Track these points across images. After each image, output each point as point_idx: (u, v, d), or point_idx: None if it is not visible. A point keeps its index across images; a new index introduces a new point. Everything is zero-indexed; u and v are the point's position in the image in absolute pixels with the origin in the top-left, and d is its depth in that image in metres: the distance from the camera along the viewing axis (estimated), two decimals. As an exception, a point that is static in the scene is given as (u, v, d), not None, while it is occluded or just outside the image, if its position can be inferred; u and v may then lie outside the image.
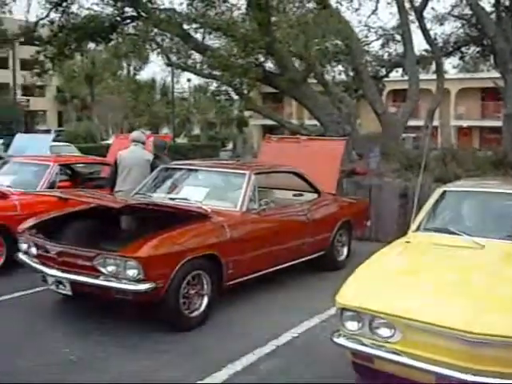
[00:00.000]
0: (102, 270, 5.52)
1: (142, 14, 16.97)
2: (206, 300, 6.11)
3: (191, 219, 6.22)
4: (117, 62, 39.83)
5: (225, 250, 6.20)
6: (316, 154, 9.21)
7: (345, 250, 8.83)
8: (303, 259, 7.90)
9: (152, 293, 5.50)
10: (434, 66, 22.58)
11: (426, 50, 22.16)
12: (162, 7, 17.29)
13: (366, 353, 4.10)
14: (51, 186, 8.84)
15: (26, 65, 35.46)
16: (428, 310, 3.87)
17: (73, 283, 5.83)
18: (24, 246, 6.42)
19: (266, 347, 5.55)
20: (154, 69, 73.26)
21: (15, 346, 5.55)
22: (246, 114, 49.15)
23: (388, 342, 3.97)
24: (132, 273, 5.40)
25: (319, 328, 6.10)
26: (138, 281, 5.41)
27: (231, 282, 6.48)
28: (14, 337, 5.82)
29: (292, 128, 18.92)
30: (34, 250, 6.24)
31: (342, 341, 4.22)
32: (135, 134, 8.95)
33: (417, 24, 18.44)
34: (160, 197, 7.16)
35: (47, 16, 18.24)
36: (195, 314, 6.01)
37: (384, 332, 4.00)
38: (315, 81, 17.86)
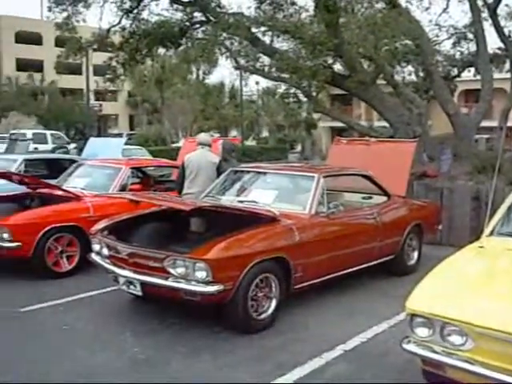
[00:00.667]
0: (172, 271, 5.60)
1: (211, 18, 17.14)
2: (274, 303, 6.11)
3: (260, 222, 6.24)
4: (186, 66, 40.43)
5: (293, 253, 6.19)
6: (386, 157, 9.09)
7: (415, 255, 8.66)
8: (372, 263, 7.79)
9: (220, 295, 5.54)
10: (508, 65, 21.88)
11: (499, 48, 21.56)
12: (230, 11, 17.42)
13: (436, 360, 4.00)
14: (123, 188, 9.05)
15: (98, 70, 36.47)
16: (502, 318, 3.74)
17: (143, 284, 5.94)
18: (96, 247, 6.59)
19: (334, 351, 5.50)
20: (223, 72, 74.06)
21: (87, 345, 5.69)
22: (315, 116, 48.99)
23: (460, 350, 3.86)
24: (201, 275, 5.45)
25: (388, 334, 6.00)
26: (207, 283, 5.45)
27: (299, 286, 6.46)
28: (86, 335, 5.98)
29: (361, 130, 18.71)
30: (106, 251, 6.40)
31: (411, 347, 4.13)
32: (202, 137, 9.03)
33: (490, 22, 17.93)
34: (229, 199, 7.22)
35: (119, 23, 18.67)
36: (263, 316, 6.02)
37: (456, 339, 3.89)
38: (384, 82, 17.62)
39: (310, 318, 6.47)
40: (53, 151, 19.85)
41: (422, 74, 20.27)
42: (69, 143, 32.49)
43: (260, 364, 5.23)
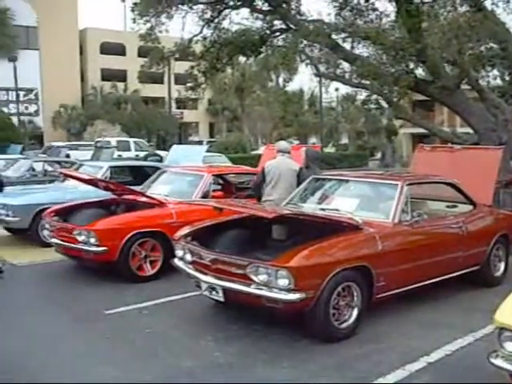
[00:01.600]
0: (254, 278, 5.63)
1: (291, 26, 17.19)
2: (355, 312, 6.04)
3: (342, 230, 6.19)
4: (266, 73, 40.75)
5: (376, 262, 6.10)
6: (471, 164, 8.83)
7: (502, 266, 8.35)
8: (456, 274, 7.58)
9: (302, 303, 5.53)
10: None
11: None
12: (310, 18, 17.41)
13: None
14: (205, 195, 9.18)
15: (179, 79, 37.23)
16: None
17: (225, 290, 5.99)
18: (180, 253, 6.70)
19: (417, 363, 5.38)
20: (302, 79, 74.13)
21: (170, 348, 5.79)
22: (396, 122, 48.29)
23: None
24: (283, 282, 5.45)
25: (474, 347, 5.82)
26: (289, 290, 5.45)
27: (381, 295, 6.36)
28: (168, 339, 6.08)
29: (444, 136, 18.27)
30: (188, 257, 6.50)
31: (499, 362, 4.00)
32: (281, 145, 9.07)
33: None
34: (311, 207, 7.20)
35: (200, 32, 18.98)
36: (344, 325, 5.96)
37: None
38: (469, 87, 17.16)
39: (392, 329, 6.35)
40: (145, 158, 20.40)
41: (508, 79, 19.58)
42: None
43: (340, 374, 5.17)
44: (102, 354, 5.71)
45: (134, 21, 18.96)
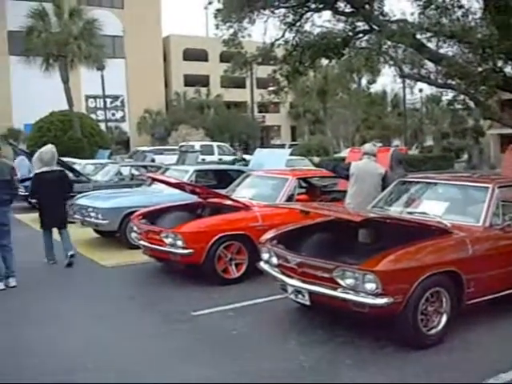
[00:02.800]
0: (341, 282, 5.58)
1: (374, 27, 16.98)
2: (444, 318, 5.88)
3: (431, 234, 6.05)
4: (349, 75, 40.44)
5: (466, 267, 5.92)
6: None
7: None
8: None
9: (389, 308, 5.43)
10: None
11: None
12: (393, 19, 17.16)
13: None
14: (289, 198, 9.18)
15: (261, 83, 37.44)
16: None
17: (311, 293, 5.97)
18: (265, 256, 6.73)
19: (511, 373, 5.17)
20: (385, 80, 73.07)
21: (255, 350, 5.84)
22: (484, 123, 46.86)
23: None
24: (370, 286, 5.38)
25: None
26: (376, 295, 5.37)
27: (471, 301, 6.15)
28: (253, 341, 6.12)
29: (535, 137, 17.58)
30: (274, 260, 6.51)
31: None
32: (367, 147, 9.00)
33: None
34: (397, 211, 7.08)
35: (282, 36, 19.03)
36: (433, 331, 5.81)
37: None
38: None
39: (483, 336, 6.14)
40: (233, 163, 20.64)
41: None
42: (234, 154, 33.62)
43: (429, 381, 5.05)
44: (188, 354, 5.79)
45: (217, 27, 19.22)
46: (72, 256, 9.79)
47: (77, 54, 32.04)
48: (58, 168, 10.17)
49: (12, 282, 8.51)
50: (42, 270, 9.81)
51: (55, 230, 10.03)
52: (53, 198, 9.72)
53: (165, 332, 6.51)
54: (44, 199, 9.70)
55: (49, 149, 9.93)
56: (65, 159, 18.29)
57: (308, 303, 6.15)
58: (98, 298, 8.01)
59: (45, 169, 9.83)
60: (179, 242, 8.09)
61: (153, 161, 21.65)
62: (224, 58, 43.44)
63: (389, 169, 8.63)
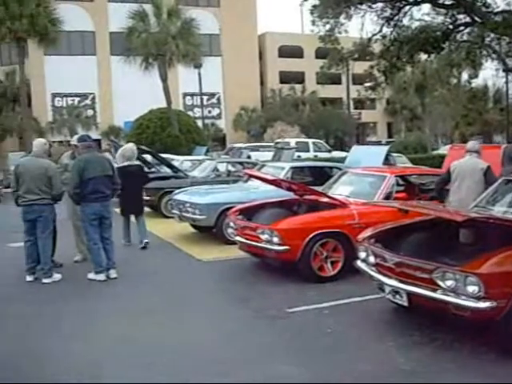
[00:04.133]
0: (441, 283, 5.41)
1: (476, 19, 16.43)
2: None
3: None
4: (449, 70, 39.25)
5: None
6: None
7: None
8: None
9: (492, 312, 5.21)
10: None
11: None
12: (497, 10, 16.54)
13: None
14: (387, 196, 9.01)
15: (357, 79, 37.02)
16: None
17: (409, 294, 5.83)
18: (363, 255, 6.63)
19: None
20: (486, 75, 70.34)
21: (349, 350, 5.75)
22: None
23: None
24: (472, 289, 5.19)
25: None
26: (478, 298, 5.17)
27: None
28: (348, 341, 6.04)
29: None
30: (372, 259, 6.41)
31: None
32: (469, 145, 8.77)
33: None
34: (501, 211, 6.80)
35: (380, 31, 18.78)
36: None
37: None
38: None
39: None
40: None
41: None
42: (330, 151, 33.40)
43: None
44: (282, 351, 5.79)
45: (313, 23, 19.19)
46: (146, 243, 11.11)
47: (175, 52, 32.79)
48: (137, 163, 11.68)
49: (113, 273, 8.82)
50: (139, 261, 10.16)
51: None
52: (132, 188, 10.87)
53: (259, 328, 6.55)
54: (124, 189, 10.13)
55: (129, 147, 11.37)
56: (163, 155, 18.82)
57: (406, 304, 6.01)
58: (194, 292, 8.16)
59: (126, 163, 11.31)
60: (275, 239, 8.12)
61: (249, 157, 21.84)
62: (319, 55, 43.26)
63: (500, 166, 8.32)
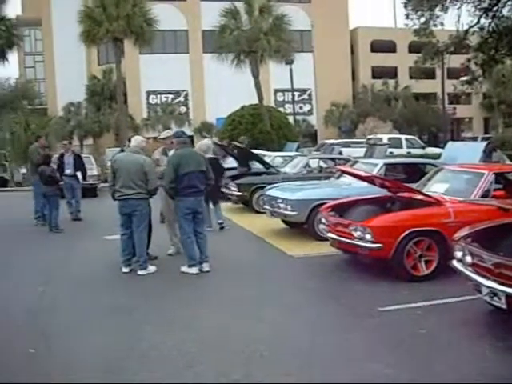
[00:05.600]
0: (544, 286, 5.19)
1: None
2: None
3: None
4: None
5: None
6: None
7: None
8: None
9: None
10: None
11: None
12: None
13: None
14: (485, 194, 8.68)
15: (452, 73, 35.97)
16: None
17: (509, 297, 5.62)
18: (459, 254, 6.44)
19: None
20: None
21: (444, 353, 5.59)
22: None
23: None
24: None
25: None
26: None
27: None
28: (441, 342, 5.86)
29: None
30: (468, 259, 6.21)
31: None
32: None
33: None
34: None
35: (477, 23, 18.19)
36: None
37: None
38: None
39: None
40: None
41: None
42: (423, 148, 32.61)
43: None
44: (374, 350, 5.70)
45: (407, 16, 18.82)
46: (221, 223, 12.74)
47: (266, 49, 32.95)
48: (213, 156, 12.44)
49: (205, 267, 8.98)
50: (231, 255, 10.29)
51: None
52: None
53: (350, 326, 6.49)
54: None
55: (205, 142, 11.82)
56: (255, 151, 18.97)
57: (504, 307, 5.79)
58: (285, 287, 8.20)
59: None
60: (368, 236, 8.02)
61: (340, 153, 21.69)
62: (413, 49, 42.39)
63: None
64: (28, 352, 5.76)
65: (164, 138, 10.54)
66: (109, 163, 28.64)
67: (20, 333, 6.43)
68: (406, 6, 19.00)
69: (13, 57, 39.60)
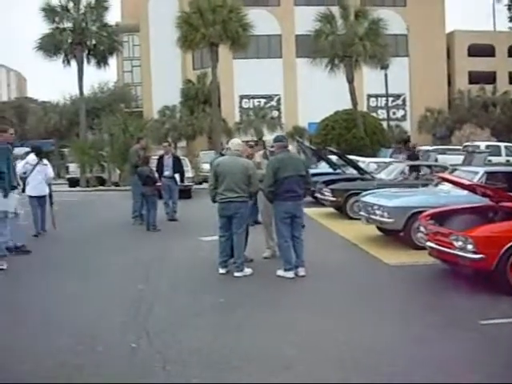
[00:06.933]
0: None
1: None
2: None
3: None
4: None
5: None
6: None
7: None
8: None
9: None
10: None
11: None
12: None
13: None
14: None
15: None
16: None
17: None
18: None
19: None
20: None
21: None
22: None
23: None
24: None
25: None
26: None
27: None
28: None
29: None
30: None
31: None
32: None
33: None
34: None
35: None
36: None
37: None
38: None
39: None
40: None
41: None
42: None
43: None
44: (475, 365, 5.53)
45: (511, 19, 18.17)
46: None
47: (361, 53, 32.71)
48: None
49: (301, 271, 9.00)
50: (326, 261, 10.23)
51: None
52: None
53: (450, 338, 6.28)
54: None
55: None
56: (350, 157, 18.85)
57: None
58: (381, 295, 8.11)
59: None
60: (469, 246, 7.79)
61: (436, 160, 21.22)
62: (513, 53, 40.94)
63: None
64: (130, 346, 5.96)
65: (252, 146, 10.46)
66: (203, 166, 29.40)
67: (122, 328, 6.66)
68: (510, 9, 18.39)
69: (112, 61, 41.42)
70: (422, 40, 51.27)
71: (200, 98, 48.49)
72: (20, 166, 12.58)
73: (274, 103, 52.96)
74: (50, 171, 13.40)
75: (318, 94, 45.95)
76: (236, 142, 9.63)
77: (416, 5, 52.25)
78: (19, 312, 7.50)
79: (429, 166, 17.22)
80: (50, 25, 34.39)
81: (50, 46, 34.33)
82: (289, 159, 9.06)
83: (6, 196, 9.89)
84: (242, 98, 52.31)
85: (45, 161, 13.31)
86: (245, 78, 49.30)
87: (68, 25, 34.70)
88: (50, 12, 34.16)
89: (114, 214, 17.39)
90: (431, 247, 8.80)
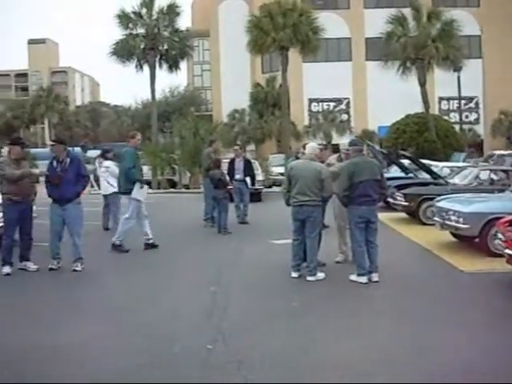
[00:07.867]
0: None
1: None
2: None
3: None
4: None
5: None
6: None
7: None
8: None
9: None
10: None
11: None
12: None
13: None
14: None
15: None
16: None
17: None
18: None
19: None
20: None
21: None
22: None
23: None
24: None
25: None
26: None
27: None
28: None
29: None
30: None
31: None
32: None
33: None
34: None
35: None
36: None
37: None
38: None
39: None
40: None
41: None
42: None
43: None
44: None
45: None
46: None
47: (434, 56, 32.17)
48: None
49: (375, 277, 8.88)
50: (399, 267, 10.08)
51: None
52: None
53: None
54: None
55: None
56: (423, 161, 18.54)
57: None
58: (456, 304, 7.90)
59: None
60: None
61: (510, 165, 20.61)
62: None
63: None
64: (206, 348, 6.03)
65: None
66: (273, 169, 29.53)
67: (198, 329, 6.75)
68: None
69: (183, 66, 42.09)
70: (496, 41, 49.84)
71: (269, 101, 48.72)
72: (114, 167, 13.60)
73: (343, 106, 52.71)
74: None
75: (387, 97, 45.44)
76: (311, 146, 9.62)
77: (490, 5, 50.96)
78: (94, 311, 7.71)
79: (504, 171, 16.73)
80: (123, 31, 35.25)
81: (123, 51, 35.18)
82: (364, 163, 9.00)
83: (142, 187, 11.61)
84: (311, 101, 52.29)
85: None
86: (314, 82, 49.23)
87: (141, 31, 35.48)
88: (124, 18, 35.01)
89: (185, 216, 17.65)
90: (510, 255, 8.55)
